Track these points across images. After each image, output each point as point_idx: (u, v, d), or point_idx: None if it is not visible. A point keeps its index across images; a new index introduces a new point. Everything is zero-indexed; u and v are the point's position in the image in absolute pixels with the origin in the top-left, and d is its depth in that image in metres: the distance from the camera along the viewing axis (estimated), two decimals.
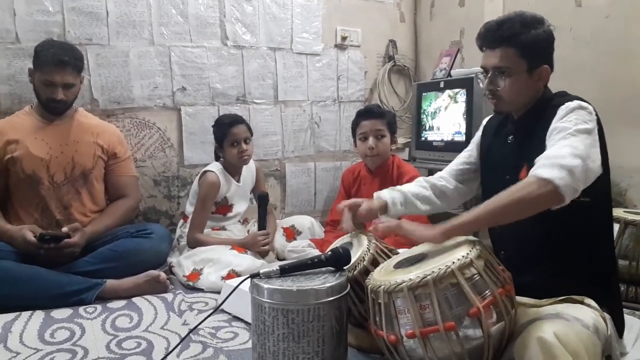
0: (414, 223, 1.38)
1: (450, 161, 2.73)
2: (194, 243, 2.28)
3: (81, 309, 1.84)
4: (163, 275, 2.03)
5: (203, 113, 2.78)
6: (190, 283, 2.11)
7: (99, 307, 1.87)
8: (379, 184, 2.48)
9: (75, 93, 2.15)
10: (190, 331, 1.44)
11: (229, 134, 2.35)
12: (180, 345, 1.51)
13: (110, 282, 1.97)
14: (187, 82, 2.73)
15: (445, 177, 1.70)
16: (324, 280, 1.26)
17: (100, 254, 2.06)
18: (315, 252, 2.23)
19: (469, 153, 1.71)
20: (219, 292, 1.97)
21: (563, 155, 1.20)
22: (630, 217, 2.00)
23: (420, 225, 1.35)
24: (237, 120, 2.41)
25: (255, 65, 2.91)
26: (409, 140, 3.21)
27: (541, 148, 1.31)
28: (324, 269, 1.35)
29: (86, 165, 2.18)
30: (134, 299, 1.94)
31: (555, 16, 2.48)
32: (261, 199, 2.32)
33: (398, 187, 1.70)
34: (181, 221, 2.49)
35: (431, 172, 3.31)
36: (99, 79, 2.53)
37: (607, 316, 1.33)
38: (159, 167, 2.72)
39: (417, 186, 1.69)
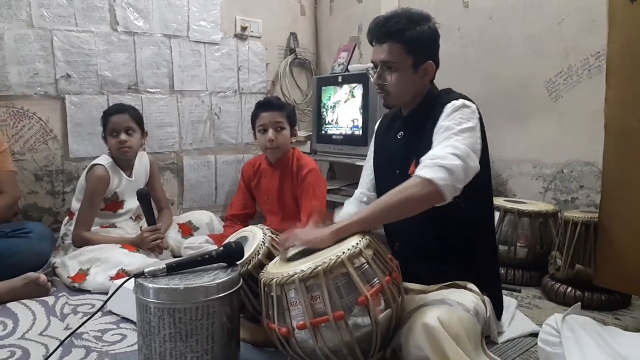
0: (307, 231, 1.35)
1: (350, 154, 2.83)
2: (80, 242, 2.13)
3: None
4: (43, 277, 1.88)
5: (90, 102, 2.59)
6: (76, 284, 1.97)
7: None
8: (280, 177, 2.47)
9: None
10: (70, 335, 1.34)
11: (109, 123, 2.23)
12: (60, 352, 1.41)
13: None
14: (72, 69, 2.53)
15: (364, 192, 1.72)
16: (214, 277, 1.22)
17: None
18: (213, 248, 2.17)
19: (371, 162, 1.73)
20: (107, 293, 1.85)
21: (444, 156, 1.27)
22: (509, 205, 2.15)
23: (313, 232, 1.34)
24: (120, 109, 2.28)
25: (149, 52, 2.77)
26: (311, 133, 3.23)
27: (429, 144, 1.38)
28: (215, 265, 1.31)
29: None
30: (9, 304, 1.78)
31: (446, 16, 2.63)
32: (140, 197, 2.13)
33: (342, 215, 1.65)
34: (66, 218, 2.31)
35: (332, 165, 3.39)
36: None
37: (487, 299, 1.43)
38: (40, 161, 2.50)
39: (355, 206, 1.69)
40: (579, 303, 1.31)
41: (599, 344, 1.14)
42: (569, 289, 1.86)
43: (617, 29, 1.52)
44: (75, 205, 2.25)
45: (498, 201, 2.19)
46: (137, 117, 2.31)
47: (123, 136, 2.23)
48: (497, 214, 2.10)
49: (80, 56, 2.55)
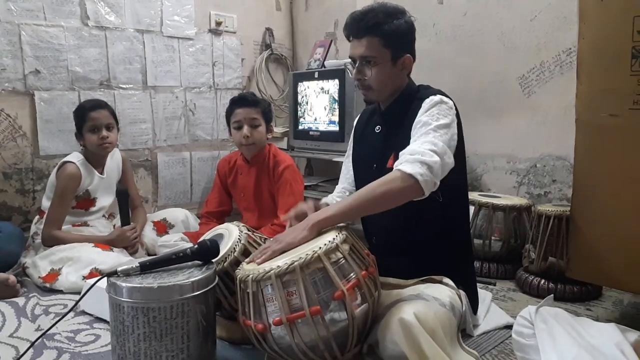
0: (284, 234, 1.33)
1: (327, 150, 2.82)
2: (50, 241, 2.08)
3: None
4: (12, 278, 1.83)
5: (61, 99, 2.53)
6: (47, 285, 1.92)
7: None
8: (256, 174, 2.45)
9: None
10: (41, 336, 1.30)
11: (88, 119, 2.18)
12: (31, 353, 1.38)
13: None
14: (41, 64, 2.46)
15: (346, 187, 1.72)
16: (189, 275, 1.21)
17: None
18: (188, 246, 2.14)
19: (351, 157, 1.73)
20: (79, 293, 1.81)
21: (423, 152, 1.29)
22: (484, 199, 2.18)
23: (290, 231, 1.32)
24: (99, 104, 2.24)
25: (121, 48, 2.71)
26: (288, 129, 3.22)
27: (407, 139, 1.39)
28: (190, 263, 1.30)
29: None
30: None
31: (420, 12, 2.64)
32: (121, 196, 2.14)
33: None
34: (37, 217, 2.26)
35: (309, 161, 3.38)
36: None
37: (463, 293, 1.45)
38: (9, 159, 2.43)
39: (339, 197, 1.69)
40: (552, 295, 1.33)
41: (571, 335, 1.16)
42: (542, 281, 1.89)
43: (587, 26, 1.54)
44: (46, 203, 2.20)
45: (473, 195, 2.21)
46: (114, 113, 2.29)
47: (105, 132, 2.19)
48: (471, 208, 2.12)
49: (49, 51, 2.49)
